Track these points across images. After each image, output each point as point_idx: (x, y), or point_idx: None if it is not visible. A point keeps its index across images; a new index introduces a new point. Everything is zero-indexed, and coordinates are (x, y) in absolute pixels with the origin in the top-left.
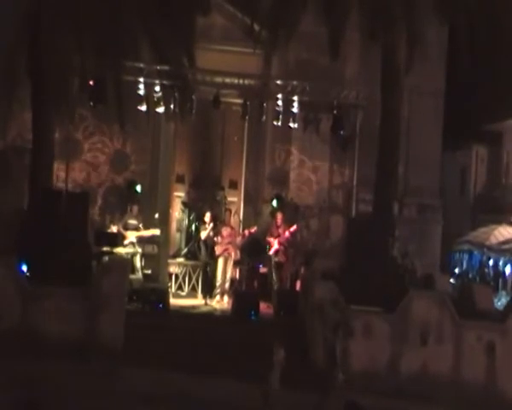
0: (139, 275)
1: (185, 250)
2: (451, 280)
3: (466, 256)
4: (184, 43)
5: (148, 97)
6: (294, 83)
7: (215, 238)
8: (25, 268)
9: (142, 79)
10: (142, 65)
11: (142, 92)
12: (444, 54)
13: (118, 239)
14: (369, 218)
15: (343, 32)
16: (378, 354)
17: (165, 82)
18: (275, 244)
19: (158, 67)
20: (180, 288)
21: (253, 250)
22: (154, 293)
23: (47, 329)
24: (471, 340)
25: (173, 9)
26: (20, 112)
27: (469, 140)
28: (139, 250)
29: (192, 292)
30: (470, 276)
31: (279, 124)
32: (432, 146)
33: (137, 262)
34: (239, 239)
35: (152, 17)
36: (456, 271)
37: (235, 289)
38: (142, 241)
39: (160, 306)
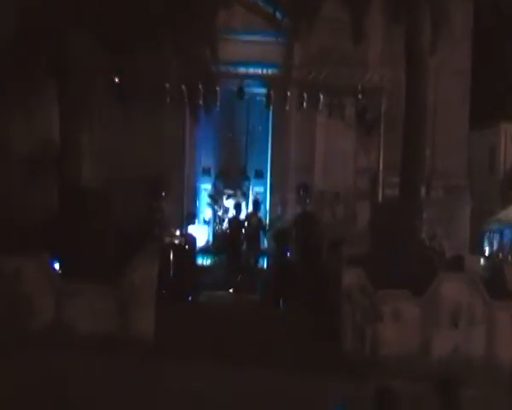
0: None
1: None
2: (482, 260)
3: (497, 236)
4: (207, 35)
5: (173, 91)
6: (317, 69)
7: None
8: (57, 266)
9: (166, 74)
10: (165, 59)
11: (166, 86)
12: (469, 32)
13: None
14: (396, 202)
15: (366, 16)
16: (408, 338)
17: (188, 75)
18: None
19: (181, 61)
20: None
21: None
22: (183, 285)
23: (80, 325)
24: (503, 321)
25: (195, 2)
26: (47, 112)
27: (497, 118)
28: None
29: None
30: (501, 255)
31: (303, 111)
32: (459, 126)
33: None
34: None
35: (173, 11)
36: (487, 251)
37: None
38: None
39: (190, 298)
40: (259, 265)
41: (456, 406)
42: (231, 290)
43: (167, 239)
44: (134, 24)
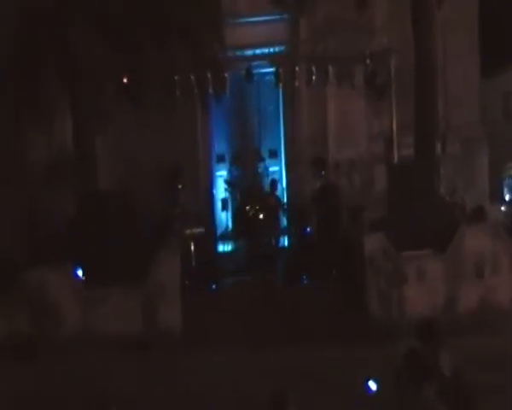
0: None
1: None
2: (503, 208)
3: None
4: (212, 23)
5: (182, 83)
6: (324, 41)
7: None
8: (80, 273)
9: (174, 66)
10: (172, 51)
11: (175, 79)
12: None
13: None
14: (412, 161)
15: None
16: (434, 296)
17: (196, 65)
18: None
19: (188, 51)
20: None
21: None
22: (205, 274)
23: (108, 328)
24: None
25: None
26: (61, 120)
27: (510, 62)
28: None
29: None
30: None
31: (313, 85)
32: (470, 76)
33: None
34: None
35: (177, 2)
36: (508, 197)
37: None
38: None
39: (214, 286)
40: (280, 245)
41: (435, 349)
42: (254, 274)
43: (188, 231)
44: (139, 17)
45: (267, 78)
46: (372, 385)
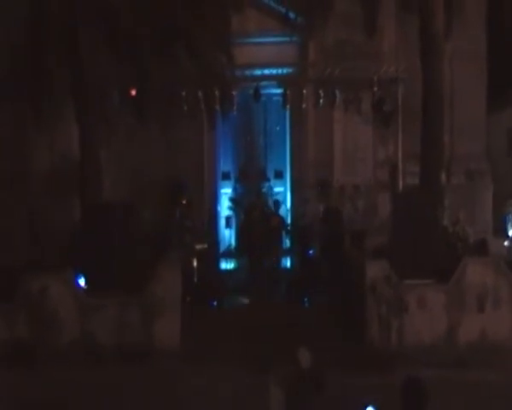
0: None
1: None
2: (506, 243)
3: None
4: (221, 41)
5: (189, 98)
6: (333, 65)
7: None
8: (82, 282)
9: (182, 82)
10: (181, 67)
11: (182, 94)
12: (483, 13)
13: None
14: (417, 190)
15: (378, 7)
16: (435, 325)
17: (204, 81)
18: None
19: (197, 68)
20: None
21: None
22: (207, 290)
23: (106, 337)
24: None
25: (207, 9)
26: (66, 129)
27: None
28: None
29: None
30: None
31: (320, 108)
32: (476, 109)
33: (194, 262)
34: None
35: (186, 19)
36: (510, 233)
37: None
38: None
39: (214, 303)
40: (282, 265)
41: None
42: (254, 293)
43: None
44: (148, 33)
45: (275, 98)
46: None
